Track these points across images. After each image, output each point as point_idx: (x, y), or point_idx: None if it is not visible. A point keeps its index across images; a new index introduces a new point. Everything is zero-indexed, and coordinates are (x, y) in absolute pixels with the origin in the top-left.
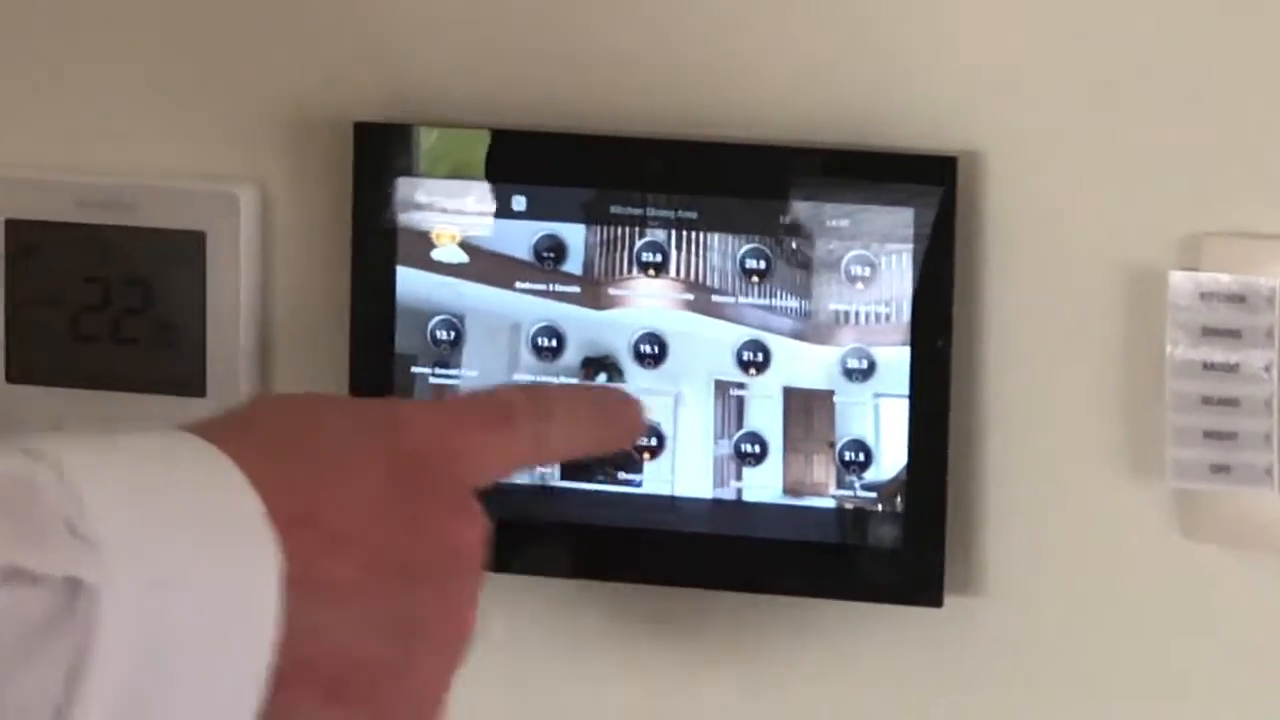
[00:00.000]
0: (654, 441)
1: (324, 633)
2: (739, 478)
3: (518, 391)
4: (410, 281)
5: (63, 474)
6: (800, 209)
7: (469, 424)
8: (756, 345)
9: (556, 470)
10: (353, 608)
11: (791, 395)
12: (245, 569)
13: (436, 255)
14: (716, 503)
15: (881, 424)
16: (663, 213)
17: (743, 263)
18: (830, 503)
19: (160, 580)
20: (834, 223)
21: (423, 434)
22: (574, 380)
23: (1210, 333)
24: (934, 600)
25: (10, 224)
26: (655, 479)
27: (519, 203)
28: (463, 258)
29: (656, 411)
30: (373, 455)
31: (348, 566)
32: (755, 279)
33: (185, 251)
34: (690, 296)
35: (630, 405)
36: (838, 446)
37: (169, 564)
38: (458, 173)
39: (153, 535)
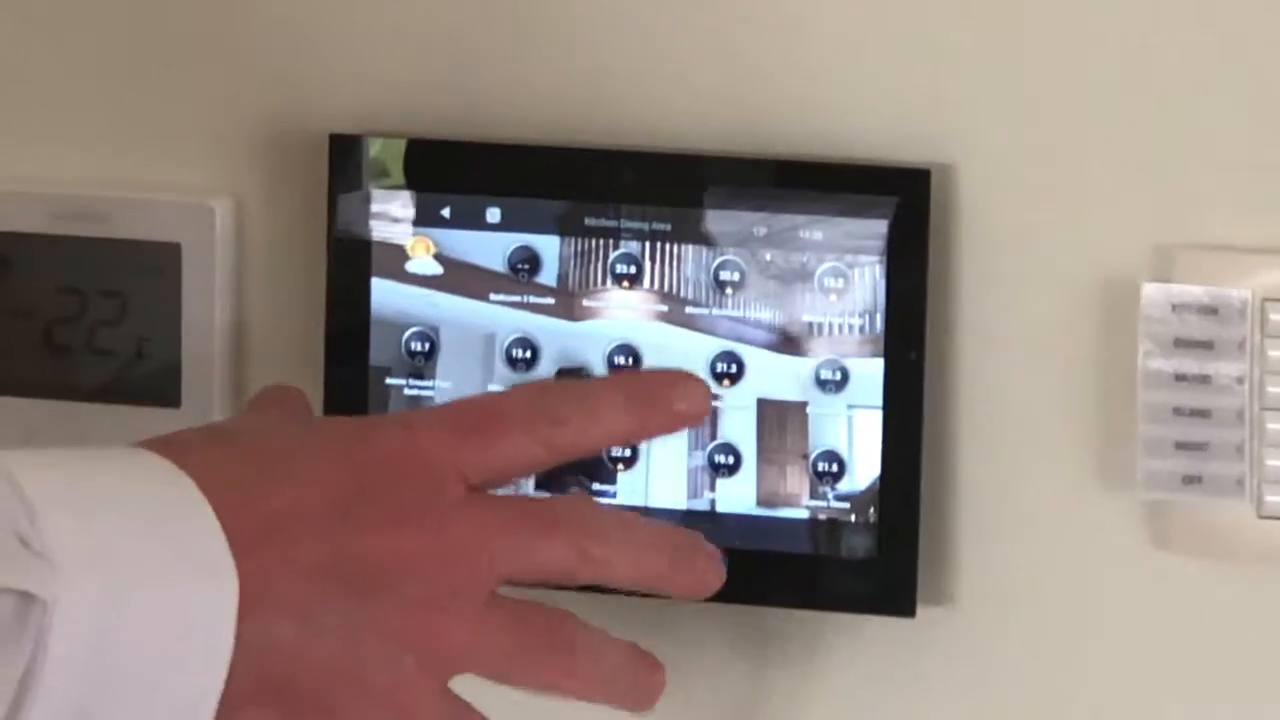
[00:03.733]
0: (628, 452)
1: (278, 647)
2: (713, 489)
3: (520, 392)
4: (384, 293)
5: (16, 486)
6: (774, 221)
7: (448, 429)
8: (730, 356)
9: (531, 480)
10: (305, 621)
11: (765, 406)
12: (201, 594)
13: (410, 267)
14: (690, 514)
15: (855, 435)
16: (637, 224)
17: (716, 274)
18: (804, 513)
19: (113, 598)
20: (807, 234)
21: (393, 447)
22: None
23: (1182, 344)
24: (907, 610)
25: None
26: (629, 490)
27: (493, 215)
28: (437, 269)
29: None
30: (338, 468)
31: (303, 585)
32: (729, 290)
33: (160, 263)
34: (664, 308)
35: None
36: (811, 457)
37: (123, 582)
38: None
39: (107, 552)
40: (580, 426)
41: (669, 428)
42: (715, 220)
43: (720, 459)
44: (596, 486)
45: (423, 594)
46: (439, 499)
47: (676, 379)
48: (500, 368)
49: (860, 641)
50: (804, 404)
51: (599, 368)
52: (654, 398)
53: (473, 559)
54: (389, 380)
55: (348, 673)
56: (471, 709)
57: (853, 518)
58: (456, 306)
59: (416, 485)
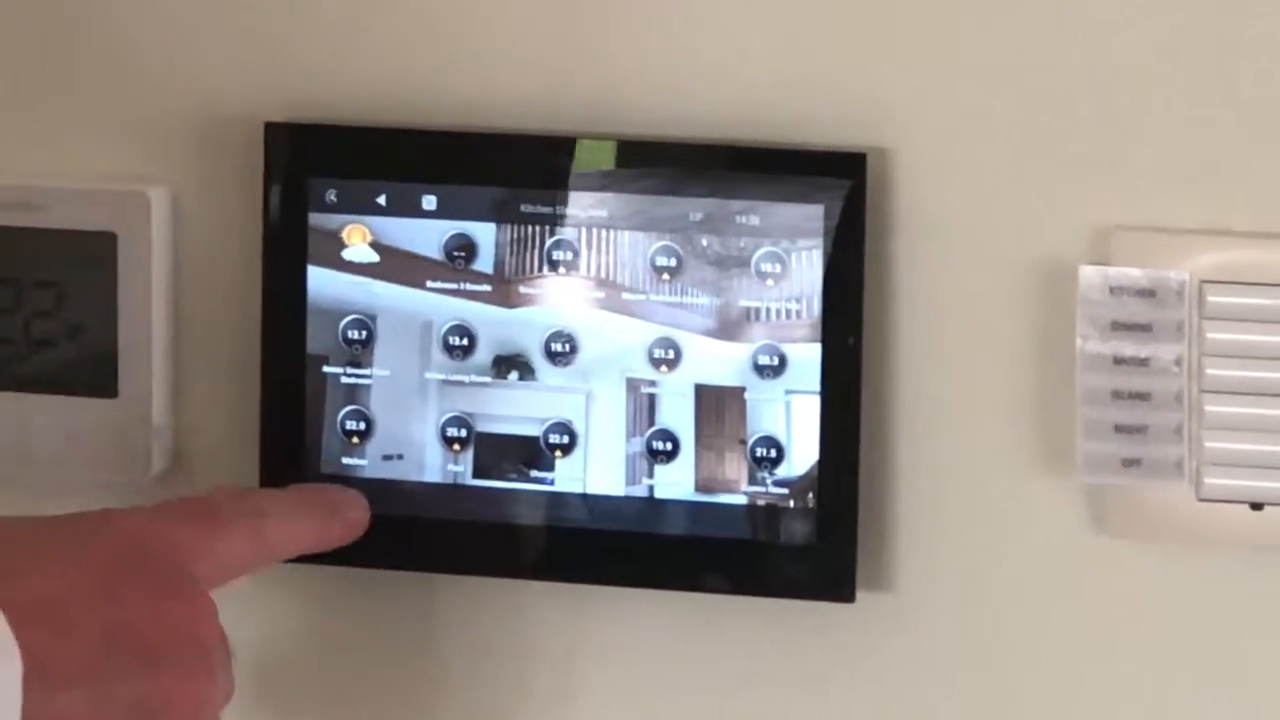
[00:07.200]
0: (566, 439)
1: (67, 716)
2: (651, 475)
3: (223, 492)
4: (321, 281)
5: None
6: (710, 206)
7: (177, 518)
8: (667, 342)
9: (469, 468)
10: (88, 690)
11: (703, 392)
12: None
13: (347, 255)
14: (628, 500)
15: (793, 420)
16: (573, 211)
17: (653, 260)
18: (742, 499)
19: None
20: (744, 219)
21: (136, 530)
22: (486, 377)
23: (1120, 327)
24: (846, 596)
25: None
26: (567, 477)
27: (429, 202)
28: (373, 257)
29: (568, 409)
30: (93, 550)
31: (80, 651)
32: (666, 276)
33: (96, 252)
34: (601, 294)
35: (348, 498)
36: (749, 443)
37: None
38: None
39: None
40: (278, 523)
41: (344, 536)
42: (652, 206)
43: (658, 445)
44: (535, 473)
45: (191, 660)
46: (182, 572)
47: (345, 492)
48: (438, 355)
49: (800, 627)
50: (742, 389)
51: (536, 355)
52: (332, 505)
53: (214, 619)
54: (326, 368)
55: None
56: None
57: (791, 503)
58: (393, 294)
59: (163, 562)
